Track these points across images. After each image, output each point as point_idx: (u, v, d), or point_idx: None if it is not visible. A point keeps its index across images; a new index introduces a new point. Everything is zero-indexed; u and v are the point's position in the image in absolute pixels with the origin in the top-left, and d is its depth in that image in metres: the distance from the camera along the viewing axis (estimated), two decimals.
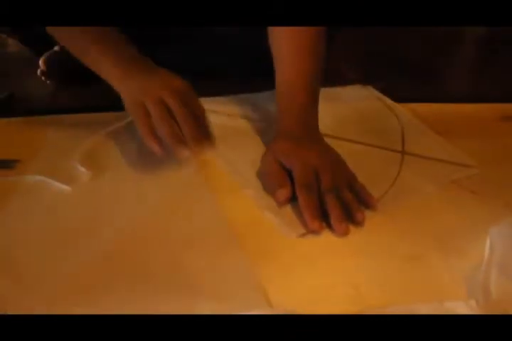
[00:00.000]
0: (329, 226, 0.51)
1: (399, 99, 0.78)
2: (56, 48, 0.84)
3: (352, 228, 0.51)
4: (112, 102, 0.67)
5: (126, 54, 0.60)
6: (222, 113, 0.72)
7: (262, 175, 0.58)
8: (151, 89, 0.55)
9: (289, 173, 0.56)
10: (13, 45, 1.06)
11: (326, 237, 0.50)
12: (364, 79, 0.84)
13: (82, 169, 0.59)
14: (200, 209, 0.54)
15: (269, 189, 0.55)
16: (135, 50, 0.61)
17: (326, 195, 0.52)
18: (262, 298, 0.43)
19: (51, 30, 0.65)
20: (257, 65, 0.76)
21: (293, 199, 0.53)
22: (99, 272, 0.45)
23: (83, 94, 0.80)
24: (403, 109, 0.75)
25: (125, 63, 0.59)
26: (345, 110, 0.74)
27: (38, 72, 0.83)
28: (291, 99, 0.62)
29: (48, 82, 0.83)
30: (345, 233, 0.50)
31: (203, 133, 0.54)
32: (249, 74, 0.78)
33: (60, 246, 0.48)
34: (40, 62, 0.83)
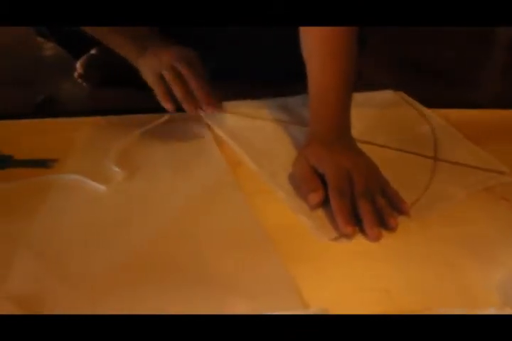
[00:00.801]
0: (361, 230, 0.51)
1: (430, 104, 0.78)
2: (93, 51, 0.86)
3: (384, 233, 0.51)
4: (146, 104, 0.69)
5: (141, 31, 0.69)
6: (254, 116, 0.73)
7: (294, 179, 0.58)
8: (165, 59, 0.65)
9: (321, 177, 0.56)
10: (49, 48, 1.10)
11: (359, 241, 0.50)
12: (395, 85, 0.84)
13: (117, 169, 0.61)
14: (232, 210, 0.54)
15: (301, 192, 0.56)
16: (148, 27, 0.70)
17: (358, 199, 0.52)
18: (297, 298, 0.43)
19: None
20: (279, 68, 0.77)
21: (325, 202, 0.54)
22: (133, 271, 0.46)
23: (118, 97, 0.81)
24: (435, 115, 0.75)
25: (140, 40, 0.68)
26: (377, 115, 0.74)
27: (75, 74, 0.85)
28: (323, 103, 0.62)
29: (85, 84, 0.85)
30: (377, 238, 0.50)
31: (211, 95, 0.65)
32: (271, 77, 0.79)
33: (96, 244, 0.50)
34: (78, 65, 0.85)
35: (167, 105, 0.63)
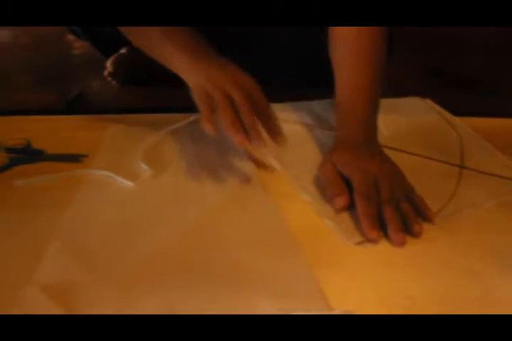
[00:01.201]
0: (386, 236, 0.51)
1: (457, 113, 0.77)
2: (123, 51, 0.87)
3: (409, 239, 0.51)
4: (175, 103, 0.70)
5: (195, 45, 0.61)
6: (280, 119, 0.73)
7: (319, 182, 0.59)
8: (220, 81, 0.57)
9: (347, 182, 0.56)
10: (79, 47, 1.12)
11: (383, 246, 0.50)
12: (422, 92, 0.83)
13: (144, 166, 0.62)
14: (259, 210, 0.55)
15: (326, 196, 0.56)
16: (203, 40, 0.62)
17: (384, 205, 0.52)
18: (322, 299, 0.43)
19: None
20: (304, 74, 0.78)
21: (350, 206, 0.54)
22: (158, 267, 0.47)
23: (147, 95, 0.83)
24: (463, 124, 0.74)
25: (194, 54, 0.60)
26: (404, 122, 0.74)
27: (105, 73, 0.87)
28: (351, 108, 0.63)
29: (114, 82, 0.87)
30: (402, 243, 0.50)
31: (269, 129, 0.56)
32: (294, 82, 0.79)
33: (123, 238, 0.50)
34: (108, 63, 0.87)
35: (208, 126, 0.55)
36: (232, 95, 0.56)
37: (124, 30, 0.66)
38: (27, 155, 0.64)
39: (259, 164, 0.63)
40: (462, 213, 0.55)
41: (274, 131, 0.56)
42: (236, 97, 0.56)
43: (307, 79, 0.80)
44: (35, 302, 0.42)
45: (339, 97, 0.64)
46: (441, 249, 0.50)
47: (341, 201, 0.54)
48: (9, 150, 0.64)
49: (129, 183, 0.59)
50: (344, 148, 0.60)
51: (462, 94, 0.88)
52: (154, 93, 0.82)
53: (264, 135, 0.56)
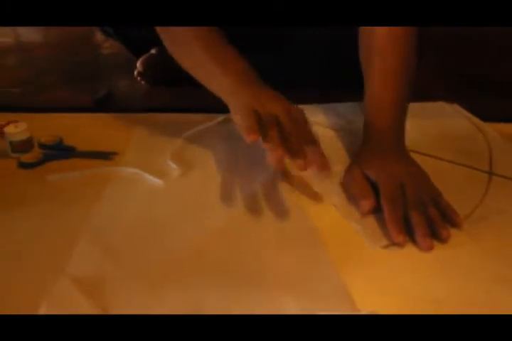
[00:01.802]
0: (413, 240, 0.51)
1: (484, 118, 0.77)
2: (153, 51, 0.89)
3: (435, 244, 0.50)
4: (201, 105, 0.71)
5: (240, 67, 0.60)
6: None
7: (346, 185, 0.59)
8: (269, 104, 0.56)
9: (373, 185, 0.56)
10: (108, 47, 1.14)
11: (409, 250, 0.50)
12: (448, 97, 0.83)
13: (173, 165, 0.63)
14: (285, 211, 0.55)
15: (353, 199, 0.56)
16: (247, 63, 0.61)
17: (411, 209, 0.52)
18: (347, 299, 0.43)
19: (165, 41, 0.66)
20: (334, 77, 0.78)
21: (376, 210, 0.54)
22: (186, 265, 0.47)
23: (174, 96, 0.84)
24: (491, 129, 0.74)
25: (238, 76, 0.59)
26: (431, 126, 0.74)
27: (135, 73, 0.88)
28: (379, 112, 0.63)
29: (143, 82, 0.88)
30: (429, 248, 0.50)
31: (317, 163, 0.54)
32: (326, 85, 0.79)
33: (151, 235, 0.51)
34: (138, 63, 0.88)
35: (252, 136, 0.51)
36: (281, 120, 0.55)
37: (164, 38, 0.65)
38: (59, 151, 0.66)
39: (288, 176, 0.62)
40: (490, 220, 0.55)
41: (322, 165, 0.54)
42: (286, 123, 0.55)
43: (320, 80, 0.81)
44: (67, 293, 0.43)
45: (367, 100, 0.64)
46: (468, 254, 0.50)
47: (367, 204, 0.54)
48: (43, 146, 0.66)
49: (157, 181, 0.60)
50: (371, 151, 0.60)
51: (489, 99, 0.87)
52: (182, 94, 0.83)
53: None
